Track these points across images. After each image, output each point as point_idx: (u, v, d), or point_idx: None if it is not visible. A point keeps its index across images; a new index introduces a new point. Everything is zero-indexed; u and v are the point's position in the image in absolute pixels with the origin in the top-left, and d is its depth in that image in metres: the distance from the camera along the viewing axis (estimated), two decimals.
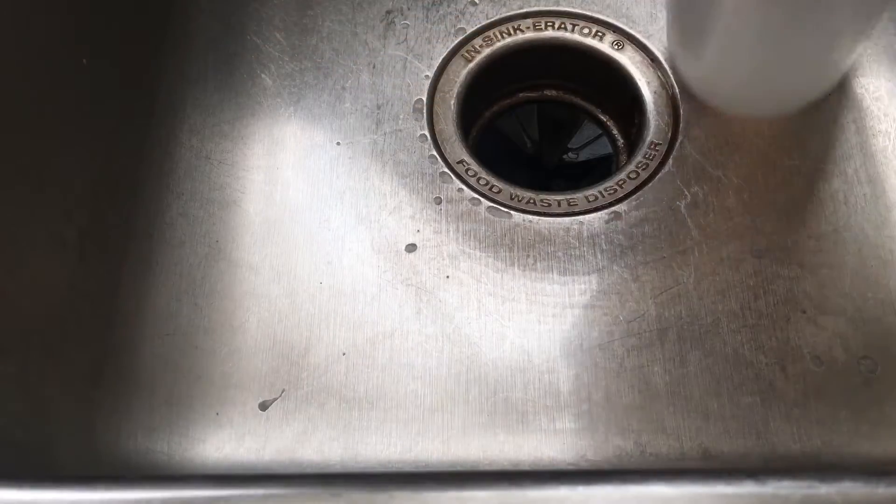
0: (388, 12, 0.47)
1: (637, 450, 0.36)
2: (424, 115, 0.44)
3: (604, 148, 0.48)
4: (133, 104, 0.44)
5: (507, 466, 0.36)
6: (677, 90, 0.44)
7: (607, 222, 0.41)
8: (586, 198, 0.42)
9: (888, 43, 0.45)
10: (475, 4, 0.47)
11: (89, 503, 0.28)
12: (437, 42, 0.46)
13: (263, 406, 0.38)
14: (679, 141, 0.43)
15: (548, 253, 0.41)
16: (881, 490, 0.26)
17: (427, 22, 0.47)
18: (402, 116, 0.44)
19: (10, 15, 0.38)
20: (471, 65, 0.46)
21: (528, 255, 0.41)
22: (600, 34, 0.46)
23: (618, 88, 0.46)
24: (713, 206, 0.41)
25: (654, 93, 0.44)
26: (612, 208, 0.42)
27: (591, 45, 0.46)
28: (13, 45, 0.38)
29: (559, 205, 0.42)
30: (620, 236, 0.41)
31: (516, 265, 0.40)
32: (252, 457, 0.37)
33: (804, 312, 0.39)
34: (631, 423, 0.37)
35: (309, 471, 0.36)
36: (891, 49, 0.45)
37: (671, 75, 0.44)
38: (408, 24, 0.47)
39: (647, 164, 0.43)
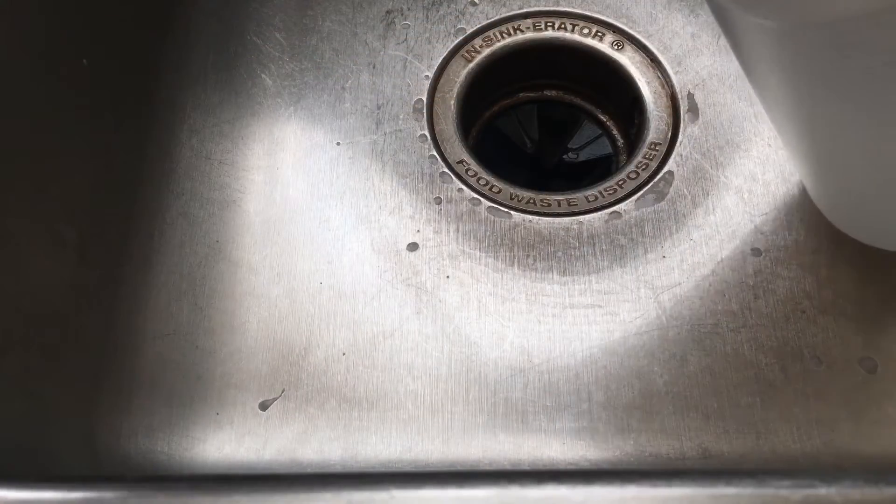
0: (388, 12, 0.47)
1: (637, 450, 0.36)
2: (424, 115, 0.44)
3: (604, 148, 0.48)
4: (133, 104, 0.44)
5: (507, 466, 0.36)
6: (677, 90, 0.44)
7: (607, 222, 0.41)
8: (586, 198, 0.42)
9: None
10: (475, 4, 0.47)
11: (89, 503, 0.28)
12: (437, 42, 0.46)
13: (263, 406, 0.38)
14: (679, 141, 0.43)
15: (548, 253, 0.41)
16: (881, 490, 0.26)
17: (427, 22, 0.47)
18: (402, 116, 0.44)
19: (10, 15, 0.38)
20: (471, 65, 0.46)
21: (528, 255, 0.41)
22: (600, 34, 0.46)
23: (618, 88, 0.46)
24: (713, 206, 0.41)
25: (654, 93, 0.44)
26: (612, 208, 0.42)
27: (591, 45, 0.46)
28: (13, 45, 0.38)
29: (559, 205, 0.42)
30: (620, 236, 0.41)
31: (516, 265, 0.40)
32: (252, 457, 0.37)
33: (804, 312, 0.39)
34: (631, 423, 0.37)
35: (309, 471, 0.36)
36: None
37: (671, 75, 0.44)
38: (408, 24, 0.47)
39: (647, 164, 0.43)
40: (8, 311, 0.35)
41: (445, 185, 0.42)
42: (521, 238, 0.41)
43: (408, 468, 0.36)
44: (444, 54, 0.46)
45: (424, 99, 0.45)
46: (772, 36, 0.28)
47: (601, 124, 0.48)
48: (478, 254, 0.41)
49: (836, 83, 0.29)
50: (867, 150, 0.33)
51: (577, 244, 0.41)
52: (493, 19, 0.47)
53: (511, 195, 0.42)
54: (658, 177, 0.42)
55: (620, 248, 0.40)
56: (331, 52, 0.47)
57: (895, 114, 0.30)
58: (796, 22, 0.26)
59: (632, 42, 0.46)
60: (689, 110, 0.44)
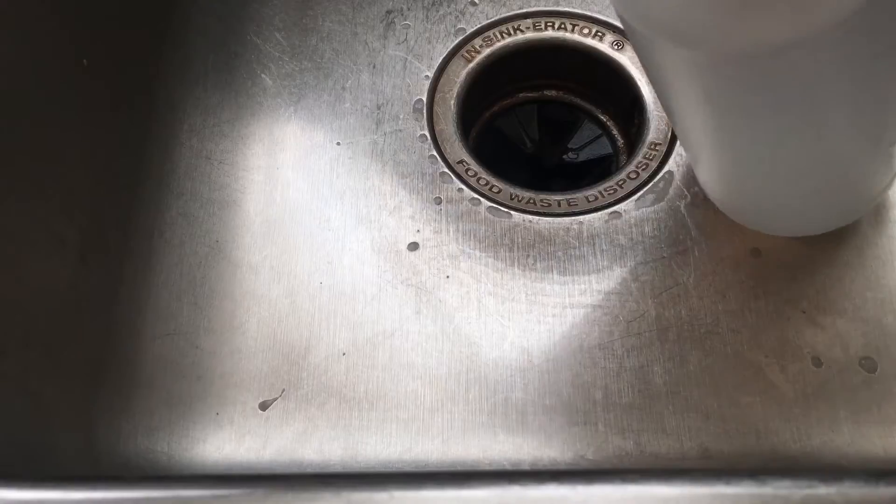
0: (388, 12, 0.47)
1: (637, 450, 0.36)
2: (424, 115, 0.44)
3: (604, 148, 0.48)
4: (133, 104, 0.44)
5: (507, 466, 0.36)
6: None
7: (607, 222, 0.41)
8: (586, 198, 0.42)
9: None
10: (475, 4, 0.47)
11: (89, 503, 0.28)
12: (437, 42, 0.46)
13: (263, 406, 0.38)
14: (679, 141, 0.43)
15: (548, 253, 0.41)
16: (881, 490, 0.26)
17: (427, 22, 0.47)
18: (402, 116, 0.44)
19: (10, 15, 0.38)
20: (471, 65, 0.46)
21: (528, 255, 0.41)
22: (600, 34, 0.46)
23: (618, 88, 0.46)
24: (713, 205, 0.41)
25: (654, 93, 0.44)
26: (612, 208, 0.42)
27: (591, 45, 0.46)
28: (13, 45, 0.38)
29: (559, 205, 0.42)
30: (620, 236, 0.41)
31: (516, 265, 0.40)
32: (252, 457, 0.37)
33: (804, 312, 0.39)
34: (631, 423, 0.37)
35: (309, 471, 0.36)
36: None
37: None
38: (408, 25, 0.47)
39: (647, 164, 0.43)
40: (8, 311, 0.35)
41: (445, 185, 0.43)
42: (521, 238, 0.41)
43: (408, 468, 0.36)
44: (444, 54, 0.46)
45: (424, 99, 0.45)
46: (685, 62, 0.29)
47: (601, 124, 0.48)
48: (478, 254, 0.41)
49: (740, 109, 0.31)
50: (761, 162, 0.35)
51: (577, 244, 0.41)
52: (493, 19, 0.47)
53: (511, 195, 0.42)
54: (658, 177, 0.42)
55: (620, 248, 0.40)
56: (331, 52, 0.47)
57: (787, 136, 0.32)
58: (713, 55, 0.27)
59: None
60: None
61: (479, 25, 0.47)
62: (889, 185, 0.39)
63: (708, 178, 0.40)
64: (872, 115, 0.32)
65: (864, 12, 0.24)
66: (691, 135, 0.36)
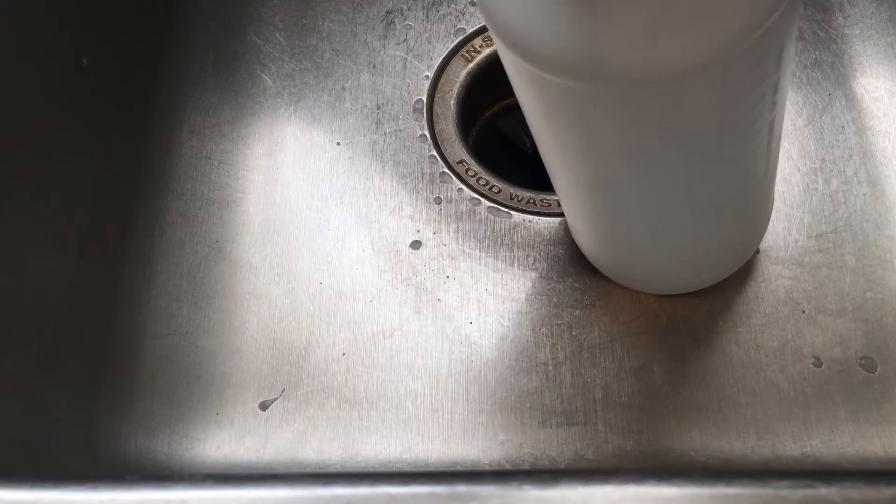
0: (388, 12, 0.47)
1: (637, 450, 0.36)
2: (424, 115, 0.44)
3: None
4: (133, 104, 0.44)
5: (507, 466, 0.36)
6: None
7: None
8: None
9: (888, 43, 0.45)
10: (475, 4, 0.47)
11: (89, 503, 0.28)
12: (437, 42, 0.46)
13: (263, 406, 0.38)
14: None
15: (548, 253, 0.41)
16: (881, 490, 0.26)
17: (427, 22, 0.47)
18: (402, 116, 0.44)
19: (10, 15, 0.38)
20: (471, 65, 0.46)
21: (528, 255, 0.41)
22: None
23: None
24: None
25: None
26: None
27: None
28: (13, 45, 0.38)
29: (559, 205, 0.42)
30: None
31: (516, 265, 0.40)
32: (252, 457, 0.37)
33: (804, 312, 0.39)
34: (631, 423, 0.37)
35: (309, 471, 0.36)
36: (891, 49, 0.45)
37: None
38: (408, 25, 0.47)
39: None
40: (8, 311, 0.35)
41: (445, 185, 0.43)
42: (521, 238, 0.41)
43: (408, 468, 0.36)
44: (444, 54, 0.46)
45: (424, 99, 0.45)
46: (568, 93, 0.26)
47: None
48: (478, 254, 0.41)
49: (623, 147, 0.28)
50: (631, 209, 0.33)
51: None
52: None
53: (511, 195, 0.42)
54: None
55: None
56: (331, 52, 0.47)
57: (659, 183, 0.30)
58: (596, 83, 0.25)
59: None
60: None
61: (479, 25, 0.47)
62: (760, 238, 0.39)
63: (583, 238, 0.38)
64: (747, 158, 0.30)
65: (746, 48, 0.24)
66: (567, 176, 0.33)
